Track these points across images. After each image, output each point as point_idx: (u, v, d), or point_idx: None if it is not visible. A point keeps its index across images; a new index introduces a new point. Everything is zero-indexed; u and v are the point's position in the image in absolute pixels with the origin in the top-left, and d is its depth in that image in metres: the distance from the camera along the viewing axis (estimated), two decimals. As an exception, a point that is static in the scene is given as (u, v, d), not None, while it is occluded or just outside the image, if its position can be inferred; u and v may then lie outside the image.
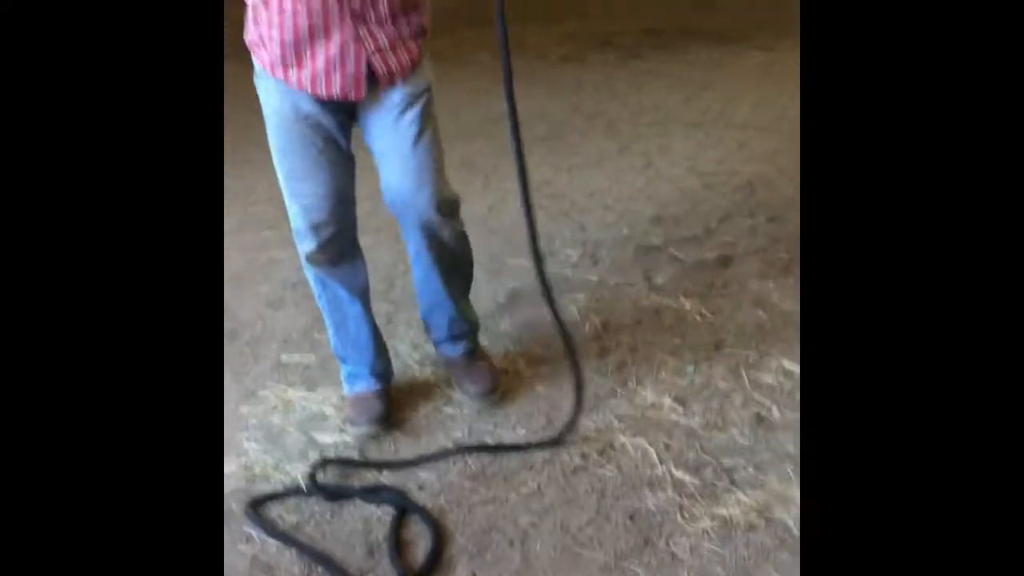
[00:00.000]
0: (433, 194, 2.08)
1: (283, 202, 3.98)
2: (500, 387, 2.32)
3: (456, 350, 2.37)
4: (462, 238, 2.21)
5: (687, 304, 2.87)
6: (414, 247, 2.19)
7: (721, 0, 14.15)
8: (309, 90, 1.96)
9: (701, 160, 4.63)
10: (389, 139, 2.05)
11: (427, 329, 2.43)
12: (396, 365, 2.46)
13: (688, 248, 3.36)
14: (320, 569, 1.80)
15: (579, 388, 2.17)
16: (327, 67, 1.94)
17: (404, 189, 2.07)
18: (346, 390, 2.35)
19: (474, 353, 2.39)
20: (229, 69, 7.01)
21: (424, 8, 2.05)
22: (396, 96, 2.03)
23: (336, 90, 1.96)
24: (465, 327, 2.36)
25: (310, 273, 2.22)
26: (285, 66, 1.96)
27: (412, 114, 2.03)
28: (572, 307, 2.92)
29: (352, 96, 1.99)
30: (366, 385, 2.30)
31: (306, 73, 1.95)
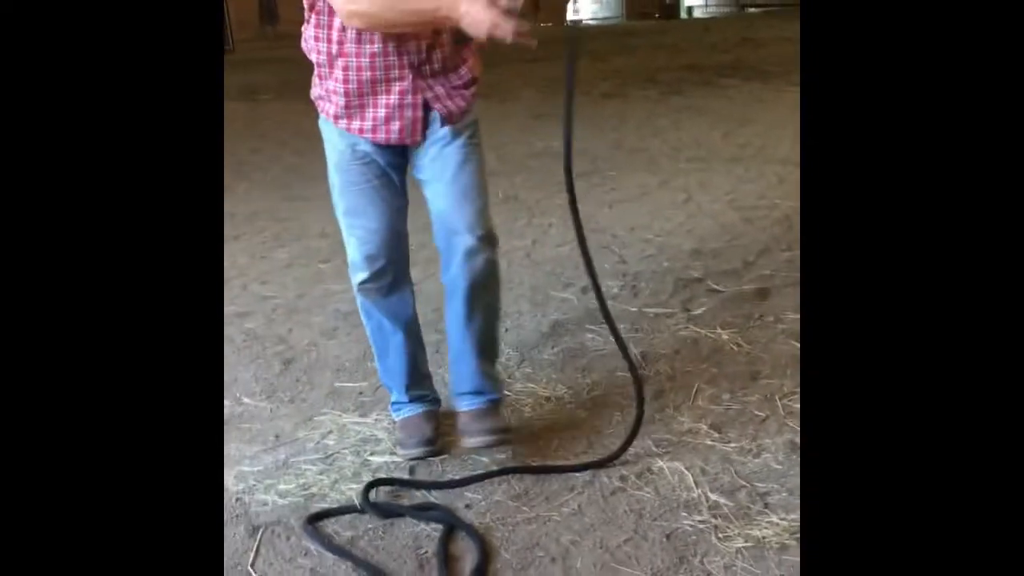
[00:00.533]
0: (475, 217, 2.20)
1: (337, 237, 4.15)
2: (505, 442, 2.31)
3: (474, 403, 2.36)
4: (495, 270, 2.30)
5: (724, 335, 2.96)
6: (450, 276, 2.28)
7: (761, 36, 14.28)
8: (370, 137, 2.14)
9: (741, 194, 4.73)
10: (435, 166, 2.20)
11: (452, 385, 2.45)
12: (443, 391, 2.58)
13: (726, 280, 3.46)
14: (374, 581, 1.91)
15: (640, 404, 2.25)
16: (387, 116, 2.12)
17: (447, 210, 2.21)
18: (394, 416, 2.48)
19: (486, 411, 2.36)
20: (294, 107, 7.29)
21: (474, 58, 2.21)
22: (444, 129, 2.19)
23: (395, 136, 2.14)
24: (484, 384, 2.37)
25: (360, 302, 2.36)
26: (349, 117, 2.14)
27: (458, 143, 2.19)
28: (612, 338, 3.02)
29: (408, 142, 2.16)
30: (413, 410, 2.42)
31: (367, 123, 2.13)
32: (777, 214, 4.28)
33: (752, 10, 23.00)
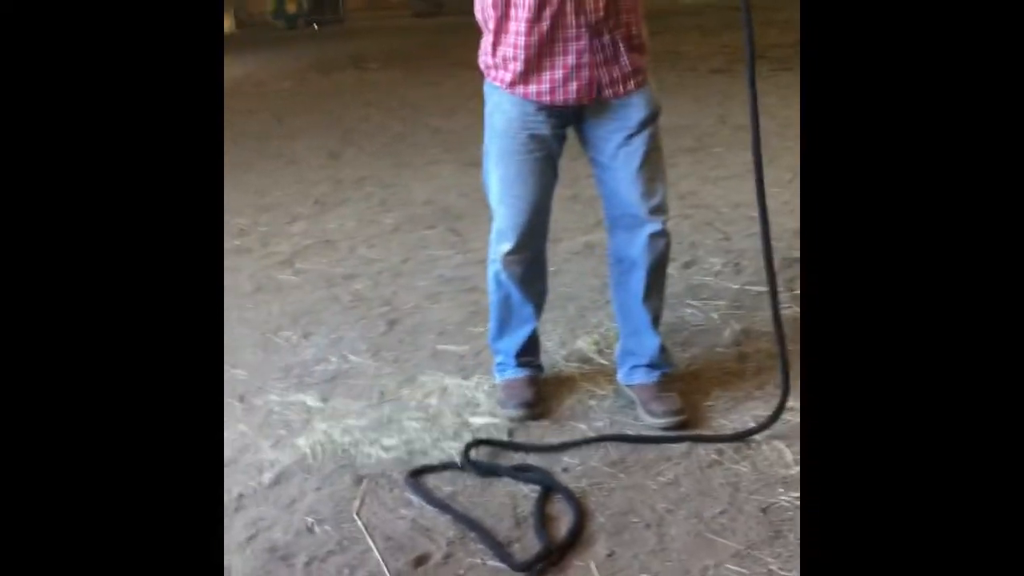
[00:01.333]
0: (661, 203, 2.29)
1: (442, 203, 4.23)
2: (687, 424, 2.34)
3: (651, 377, 2.44)
4: (669, 249, 2.39)
5: (828, 316, 2.92)
6: (629, 260, 2.35)
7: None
8: (548, 99, 2.18)
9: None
10: (621, 154, 2.24)
11: (623, 359, 2.49)
12: (544, 361, 2.62)
13: (832, 261, 3.39)
14: (472, 535, 1.97)
15: (785, 377, 2.24)
16: (565, 76, 2.15)
17: (633, 198, 2.27)
18: (497, 378, 2.54)
19: (664, 381, 2.45)
20: (401, 77, 7.44)
21: (643, 25, 2.24)
22: (632, 118, 2.22)
23: (572, 96, 2.17)
24: (662, 356, 2.46)
25: (492, 270, 2.42)
26: (526, 83, 2.17)
27: (644, 135, 2.23)
28: (713, 314, 3.02)
29: (586, 100, 2.19)
30: (517, 373, 2.49)
31: (545, 86, 2.17)
32: (889, 196, 4.17)
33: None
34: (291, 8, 18.96)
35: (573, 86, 2.16)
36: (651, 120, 2.24)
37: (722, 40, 11.07)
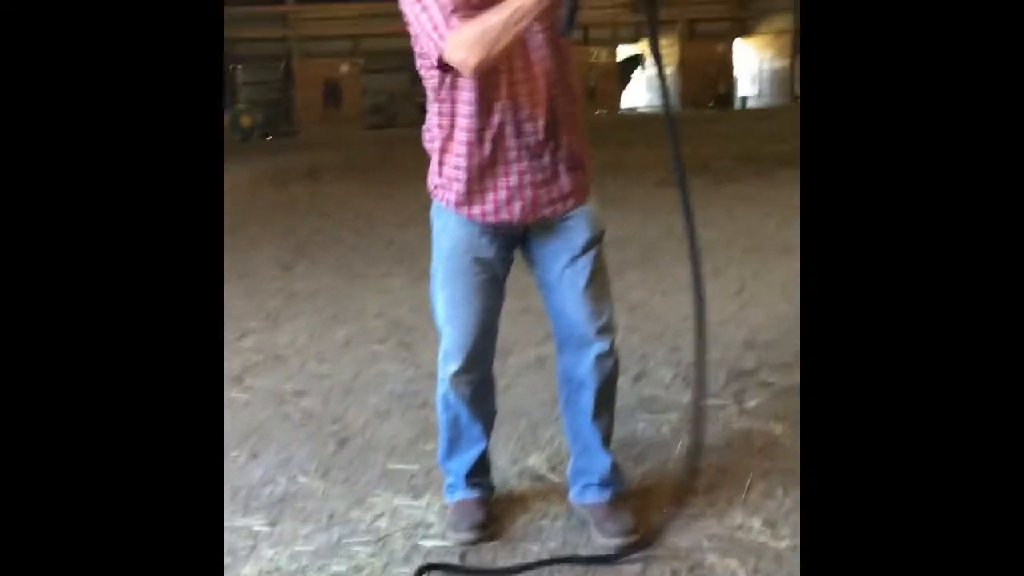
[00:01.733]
0: (607, 323, 2.32)
1: (392, 317, 4.24)
2: (641, 544, 2.31)
3: (603, 496, 2.43)
4: (618, 366, 2.41)
5: (777, 429, 2.96)
6: (577, 379, 2.37)
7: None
8: (492, 219, 2.20)
9: (794, 286, 4.73)
10: (567, 277, 2.27)
11: (575, 478, 2.48)
12: (496, 478, 2.60)
13: (780, 373, 3.45)
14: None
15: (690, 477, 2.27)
16: (508, 197, 2.18)
17: (579, 320, 2.29)
18: (448, 499, 2.51)
19: (617, 499, 2.45)
20: (355, 188, 7.54)
21: (586, 144, 2.30)
22: (577, 240, 2.26)
23: (516, 215, 2.20)
24: (613, 475, 2.45)
25: (441, 390, 2.41)
26: (469, 203, 2.20)
27: (589, 256, 2.27)
28: (664, 427, 3.04)
29: (529, 219, 2.22)
30: (468, 494, 2.46)
31: (488, 206, 2.19)
32: (831, 307, 4.27)
33: (807, 100, 23.15)
34: (246, 122, 19.26)
35: (516, 206, 2.19)
36: (595, 241, 2.29)
37: (666, 152, 11.41)
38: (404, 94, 21.44)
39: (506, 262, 2.31)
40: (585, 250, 2.27)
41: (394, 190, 9.27)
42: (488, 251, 2.26)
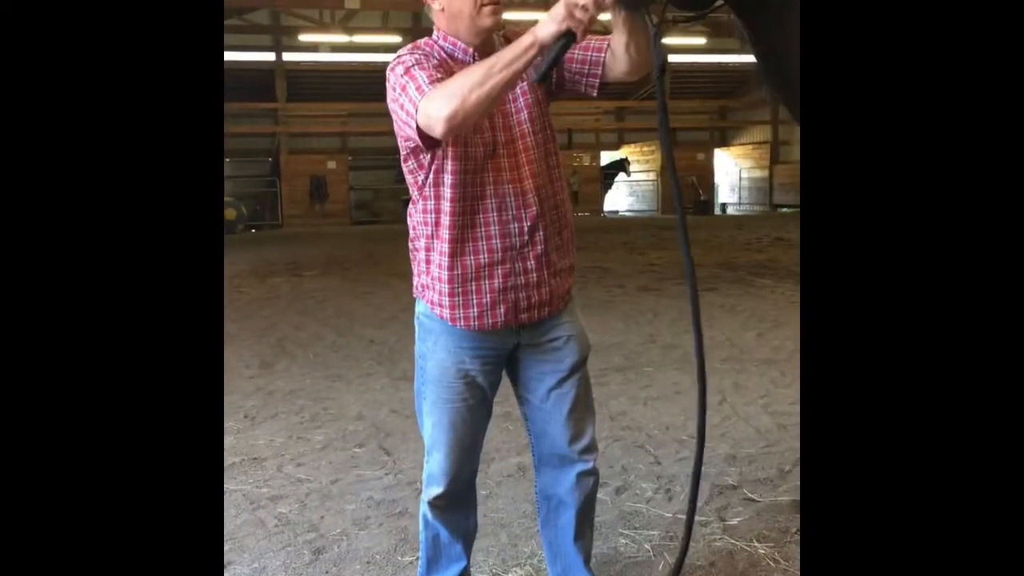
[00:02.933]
0: (590, 442, 2.31)
1: (373, 420, 4.19)
2: None
3: None
4: (598, 484, 2.40)
5: (761, 549, 2.92)
6: (557, 498, 2.35)
7: (794, 237, 14.62)
8: (476, 324, 2.16)
9: (775, 399, 4.75)
10: (553, 399, 2.27)
11: None
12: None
13: (762, 489, 3.43)
14: None
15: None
16: (492, 300, 2.15)
17: (562, 440, 2.29)
18: (425, 615, 2.44)
19: None
20: (337, 285, 7.50)
21: (573, 248, 2.30)
22: (565, 361, 2.26)
23: (500, 320, 2.17)
24: None
25: (422, 509, 2.37)
26: (452, 307, 2.16)
27: (575, 378, 2.27)
28: (646, 544, 2.99)
29: (512, 323, 2.19)
30: (446, 613, 2.39)
31: (472, 311, 2.16)
32: (813, 421, 4.28)
33: (784, 210, 23.68)
34: (230, 215, 19.40)
35: (500, 310, 2.15)
36: (582, 363, 2.30)
37: (648, 258, 11.59)
38: (389, 191, 21.75)
39: (494, 385, 2.29)
40: (572, 372, 2.27)
41: (376, 288, 9.31)
42: (477, 373, 2.22)
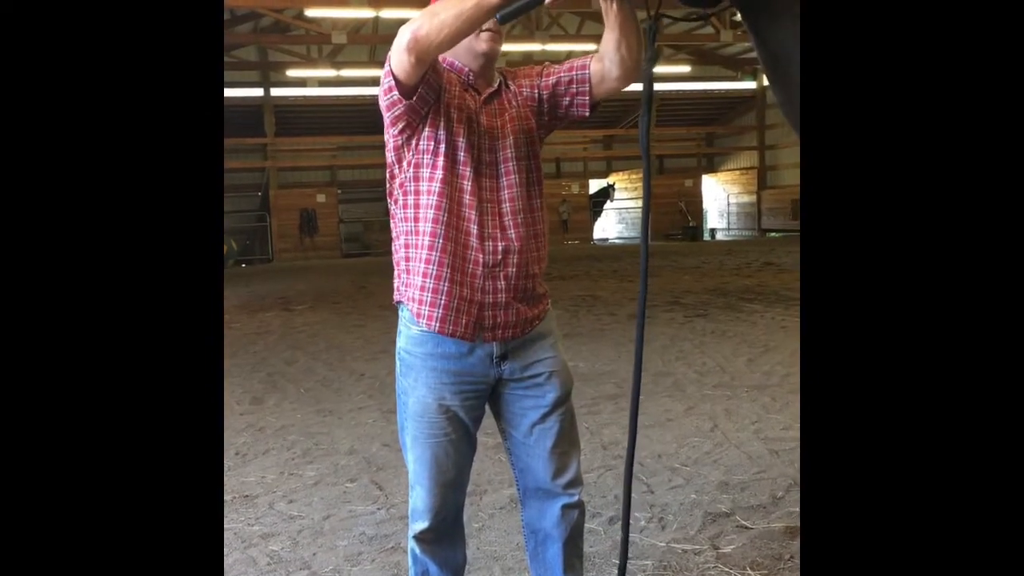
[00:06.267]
0: (575, 476, 2.31)
1: (364, 454, 4.17)
2: None
3: None
4: (584, 516, 2.40)
5: (754, 576, 2.91)
6: (543, 532, 2.33)
7: (783, 261, 14.72)
8: (438, 327, 2.16)
9: (767, 424, 4.75)
10: (537, 434, 2.26)
11: None
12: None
13: (755, 516, 3.43)
14: None
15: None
16: (458, 306, 2.15)
17: (547, 477, 2.28)
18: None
19: None
20: (327, 318, 7.46)
21: (541, 277, 2.29)
22: (548, 397, 2.25)
23: (461, 329, 2.16)
24: None
25: (410, 545, 2.35)
26: (420, 301, 2.16)
27: (559, 413, 2.27)
28: (640, 574, 2.98)
29: (474, 339, 2.18)
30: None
31: (439, 311, 2.15)
32: (804, 446, 4.28)
33: (773, 234, 23.82)
34: (221, 249, 19.41)
35: (463, 320, 2.15)
36: (566, 398, 2.29)
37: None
38: (379, 223, 21.82)
39: (477, 419, 2.28)
40: (555, 407, 2.26)
41: (367, 320, 9.31)
42: (458, 408, 2.22)
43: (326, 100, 22.70)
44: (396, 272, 2.27)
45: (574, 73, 2.23)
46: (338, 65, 20.77)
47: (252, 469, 4.35)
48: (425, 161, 2.14)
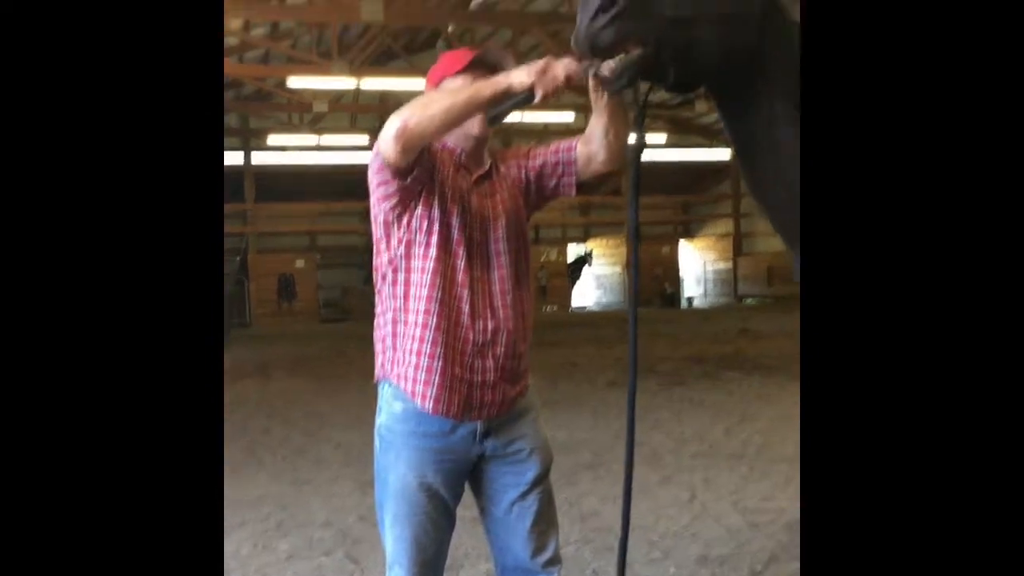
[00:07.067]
0: (553, 554, 2.29)
1: (340, 527, 4.12)
2: None
3: None
4: None
5: (734, 653, 2.89)
6: None
7: (760, 328, 14.82)
8: (431, 406, 2.14)
9: (746, 495, 4.74)
10: (516, 512, 2.26)
11: None
12: None
13: (734, 591, 3.41)
14: None
15: None
16: (451, 386, 2.14)
17: (526, 557, 2.26)
18: None
19: None
20: (305, 385, 7.38)
21: (527, 357, 2.30)
22: (527, 475, 2.25)
23: (454, 409, 2.16)
24: None
25: None
26: (415, 380, 2.15)
27: (538, 491, 2.26)
28: (619, 651, 2.94)
29: (464, 419, 2.18)
30: None
31: (432, 390, 2.14)
32: (784, 519, 4.27)
33: (749, 301, 24.02)
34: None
35: (456, 399, 2.15)
36: (545, 475, 2.29)
37: (616, 352, 11.64)
38: (358, 290, 21.82)
39: (457, 496, 2.27)
40: (535, 485, 2.26)
41: (345, 387, 9.25)
42: (440, 486, 2.21)
43: (306, 166, 22.87)
44: (379, 348, 2.26)
45: (560, 155, 2.29)
46: (319, 131, 20.99)
47: (227, 542, 4.28)
48: (418, 239, 2.16)
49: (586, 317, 21.39)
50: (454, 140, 2.24)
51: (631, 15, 1.71)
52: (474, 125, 2.19)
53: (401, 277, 2.18)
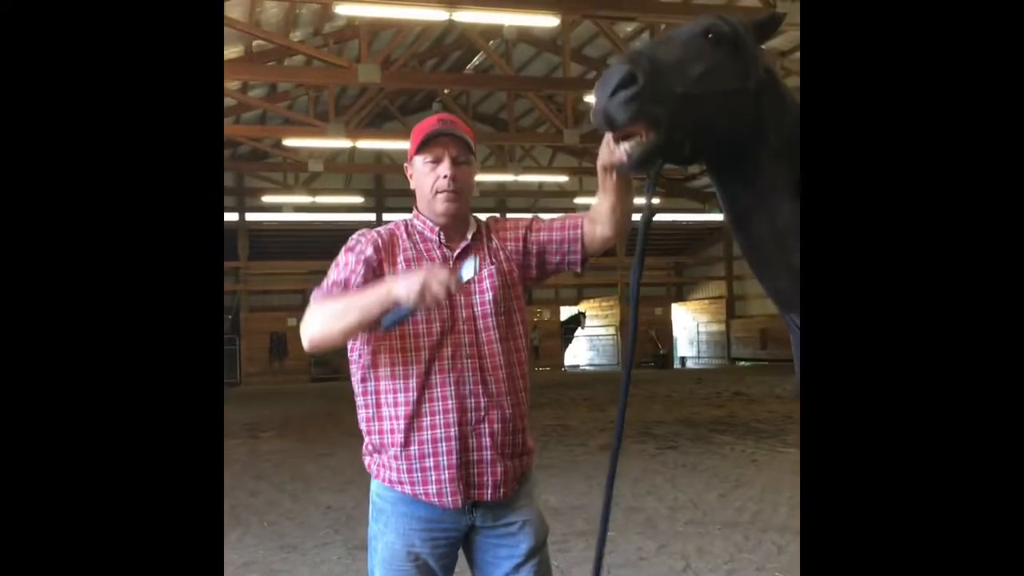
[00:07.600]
0: None
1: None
2: None
3: None
4: None
5: None
6: None
7: (753, 391, 14.78)
8: (436, 501, 2.12)
9: (740, 564, 4.67)
10: None
11: None
12: None
13: (730, 666, 3.33)
14: None
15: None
16: (451, 476, 2.11)
17: None
18: None
19: None
20: (294, 447, 7.29)
21: (528, 430, 2.28)
22: (522, 546, 2.20)
23: (460, 496, 2.12)
24: None
25: None
26: (412, 482, 2.12)
27: (533, 563, 2.21)
28: None
29: (468, 500, 2.15)
30: None
31: (432, 487, 2.12)
32: (778, 589, 4.21)
33: (743, 363, 23.99)
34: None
35: (460, 486, 2.12)
36: (540, 547, 2.24)
37: (609, 415, 11.57)
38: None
39: (448, 567, 2.22)
40: (529, 558, 2.21)
41: (334, 449, 9.14)
42: (428, 557, 2.17)
43: (300, 225, 22.97)
44: (365, 427, 2.23)
45: (567, 232, 2.27)
46: (314, 191, 21.13)
47: None
48: (383, 347, 2.15)
49: (579, 377, 21.31)
50: (430, 217, 2.24)
51: (649, 94, 1.73)
52: (438, 203, 2.20)
53: (371, 374, 2.17)
